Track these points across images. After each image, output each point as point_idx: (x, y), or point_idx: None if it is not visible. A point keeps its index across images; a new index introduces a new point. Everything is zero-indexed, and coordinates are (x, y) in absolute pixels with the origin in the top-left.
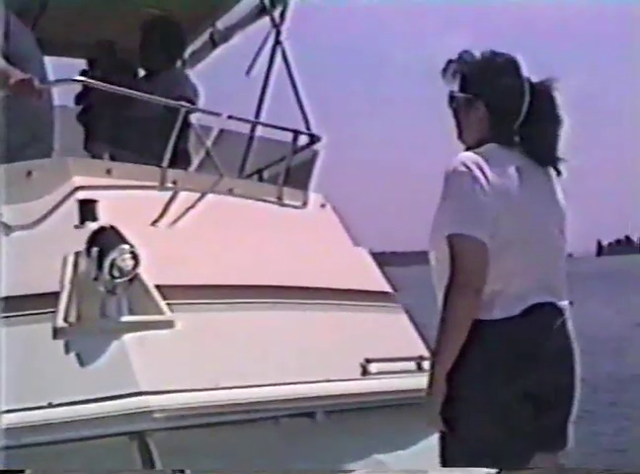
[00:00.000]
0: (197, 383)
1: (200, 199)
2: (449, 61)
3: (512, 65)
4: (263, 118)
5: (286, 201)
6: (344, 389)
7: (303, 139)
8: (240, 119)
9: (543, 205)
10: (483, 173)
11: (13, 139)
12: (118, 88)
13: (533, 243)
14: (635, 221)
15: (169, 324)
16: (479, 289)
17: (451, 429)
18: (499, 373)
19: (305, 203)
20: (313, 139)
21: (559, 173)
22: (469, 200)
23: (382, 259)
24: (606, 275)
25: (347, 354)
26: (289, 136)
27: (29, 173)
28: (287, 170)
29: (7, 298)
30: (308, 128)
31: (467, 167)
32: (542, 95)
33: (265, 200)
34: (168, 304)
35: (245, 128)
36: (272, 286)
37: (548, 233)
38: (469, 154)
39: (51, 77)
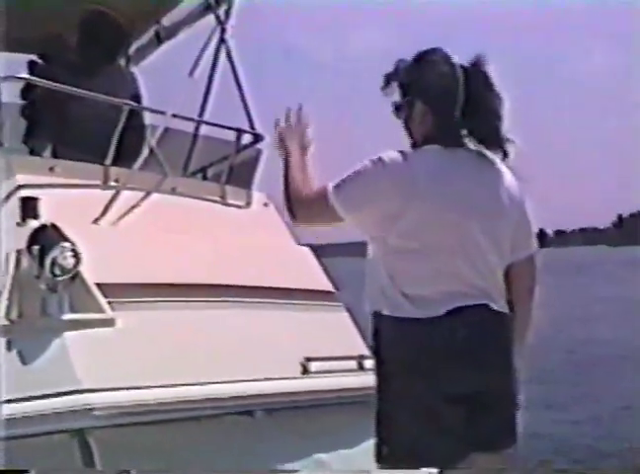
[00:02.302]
0: (137, 381)
1: (143, 198)
2: (386, 75)
3: (440, 58)
4: (207, 116)
5: (230, 200)
6: (284, 388)
7: (247, 138)
8: (184, 118)
9: (474, 212)
10: (404, 174)
11: None
12: (60, 86)
13: (456, 249)
14: (549, 215)
15: (110, 322)
16: (310, 221)
17: (380, 429)
18: (421, 373)
19: (249, 203)
20: (257, 138)
21: (506, 155)
22: (364, 179)
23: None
24: None
25: (287, 352)
26: (233, 135)
27: None
28: (231, 169)
29: None
30: (252, 127)
31: (386, 160)
32: (476, 76)
33: (208, 199)
34: (109, 302)
35: (189, 127)
36: (213, 285)
37: (474, 240)
38: (403, 152)
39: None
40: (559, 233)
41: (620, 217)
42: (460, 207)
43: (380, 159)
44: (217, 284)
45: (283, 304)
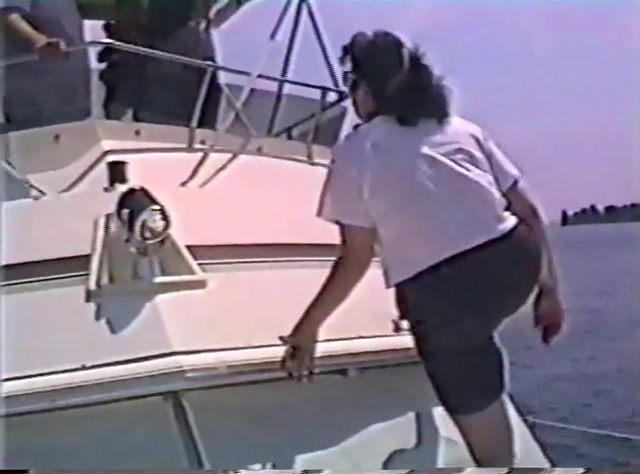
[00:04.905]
0: (229, 342)
1: (230, 160)
2: (344, 46)
3: (392, 44)
4: (290, 76)
5: (316, 159)
6: (376, 345)
7: (332, 96)
8: (268, 78)
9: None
10: (363, 155)
11: (45, 104)
12: (141, 49)
13: (433, 198)
14: (600, 191)
15: (201, 284)
16: (366, 265)
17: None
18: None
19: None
20: (342, 96)
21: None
22: (344, 191)
23: None
24: (572, 243)
25: (378, 310)
26: (318, 94)
27: (57, 137)
28: (317, 127)
29: (39, 262)
30: (336, 85)
31: (346, 156)
32: (418, 66)
33: (294, 159)
34: (199, 264)
35: (272, 87)
36: (303, 244)
37: (445, 181)
38: (351, 140)
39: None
40: (609, 209)
41: None
42: (421, 156)
43: (344, 155)
44: (307, 244)
45: (374, 262)
